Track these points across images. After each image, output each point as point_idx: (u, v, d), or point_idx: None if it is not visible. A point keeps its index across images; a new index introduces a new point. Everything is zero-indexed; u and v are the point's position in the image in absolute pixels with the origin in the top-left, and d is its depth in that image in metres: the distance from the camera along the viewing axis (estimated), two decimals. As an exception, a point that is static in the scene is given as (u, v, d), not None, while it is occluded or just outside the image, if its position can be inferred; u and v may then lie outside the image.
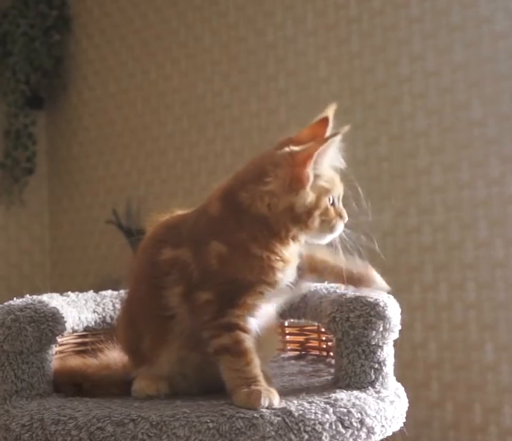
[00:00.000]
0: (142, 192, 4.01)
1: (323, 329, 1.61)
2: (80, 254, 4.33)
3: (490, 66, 2.78)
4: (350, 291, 1.40)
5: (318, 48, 3.28)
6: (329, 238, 1.34)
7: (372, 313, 1.34)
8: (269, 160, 1.31)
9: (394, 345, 1.40)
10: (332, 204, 1.32)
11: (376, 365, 1.36)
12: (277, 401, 1.24)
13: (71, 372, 1.44)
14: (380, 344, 1.36)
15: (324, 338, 1.66)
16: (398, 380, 1.43)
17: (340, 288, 1.46)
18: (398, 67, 3.03)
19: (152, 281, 1.35)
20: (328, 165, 1.31)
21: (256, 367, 1.28)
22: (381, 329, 1.34)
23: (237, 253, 1.28)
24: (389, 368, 1.39)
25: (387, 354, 1.38)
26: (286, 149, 1.30)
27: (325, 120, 1.34)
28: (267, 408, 1.22)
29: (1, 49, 4.24)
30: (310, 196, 1.29)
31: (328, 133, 1.33)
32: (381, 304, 1.35)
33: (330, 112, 1.34)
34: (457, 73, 2.86)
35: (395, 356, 1.41)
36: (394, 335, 1.37)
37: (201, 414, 1.20)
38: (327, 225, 1.31)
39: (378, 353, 1.36)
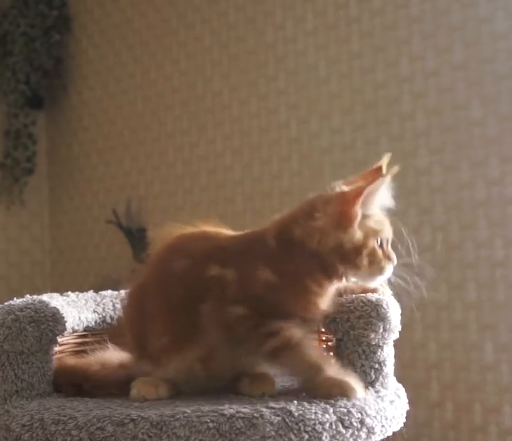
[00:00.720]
0: (142, 192, 4.01)
1: (323, 329, 1.61)
2: (80, 254, 4.33)
3: (490, 66, 2.78)
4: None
5: (318, 48, 3.28)
6: (378, 280, 1.37)
7: (372, 314, 1.34)
8: (320, 198, 1.35)
9: (394, 345, 1.41)
10: (381, 246, 1.35)
11: (377, 366, 1.37)
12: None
13: (71, 372, 1.44)
14: (380, 344, 1.36)
15: (324, 338, 1.65)
16: (398, 380, 1.43)
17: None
18: (398, 67, 3.03)
19: (192, 292, 1.33)
20: (378, 206, 1.35)
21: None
22: (381, 329, 1.34)
23: (287, 283, 1.30)
24: (389, 368, 1.39)
25: (388, 354, 1.38)
26: (338, 188, 1.35)
27: (379, 170, 1.37)
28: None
29: (1, 49, 4.24)
30: (357, 234, 1.32)
31: None
32: (381, 304, 1.35)
33: (384, 162, 1.38)
34: (457, 73, 2.86)
35: (395, 356, 1.41)
36: (394, 335, 1.38)
37: (201, 414, 1.20)
38: (376, 266, 1.35)
39: (378, 353, 1.36)
